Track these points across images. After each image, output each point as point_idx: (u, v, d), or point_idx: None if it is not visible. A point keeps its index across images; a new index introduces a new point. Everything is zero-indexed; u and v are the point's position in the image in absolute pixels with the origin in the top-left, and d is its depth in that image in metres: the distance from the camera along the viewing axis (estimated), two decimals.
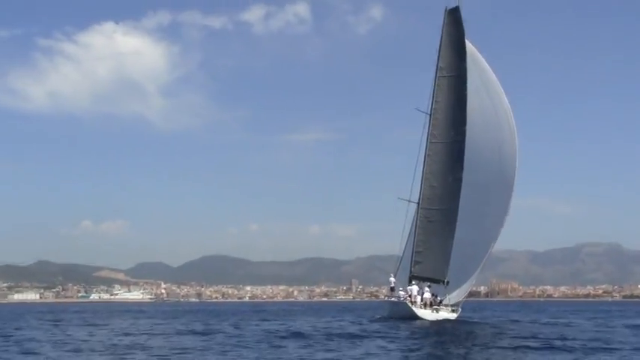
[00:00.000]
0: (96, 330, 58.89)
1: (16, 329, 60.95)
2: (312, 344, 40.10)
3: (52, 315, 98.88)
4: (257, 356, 33.25)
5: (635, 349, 35.47)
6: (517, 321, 73.04)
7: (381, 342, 42.02)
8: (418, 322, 63.98)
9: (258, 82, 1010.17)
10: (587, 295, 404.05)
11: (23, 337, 49.06)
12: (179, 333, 52.79)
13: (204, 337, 47.17)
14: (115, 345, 41.27)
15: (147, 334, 51.86)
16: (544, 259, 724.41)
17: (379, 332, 51.38)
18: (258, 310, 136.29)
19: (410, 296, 69.67)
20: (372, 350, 36.44)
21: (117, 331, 56.55)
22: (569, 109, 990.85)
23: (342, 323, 65.66)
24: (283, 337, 45.93)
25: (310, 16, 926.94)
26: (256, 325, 65.38)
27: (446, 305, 70.26)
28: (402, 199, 75.67)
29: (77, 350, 37.96)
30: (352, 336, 46.54)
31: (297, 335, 48.17)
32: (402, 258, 75.82)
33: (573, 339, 43.03)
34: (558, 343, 40.25)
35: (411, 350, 36.33)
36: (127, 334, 51.95)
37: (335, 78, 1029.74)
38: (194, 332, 53.29)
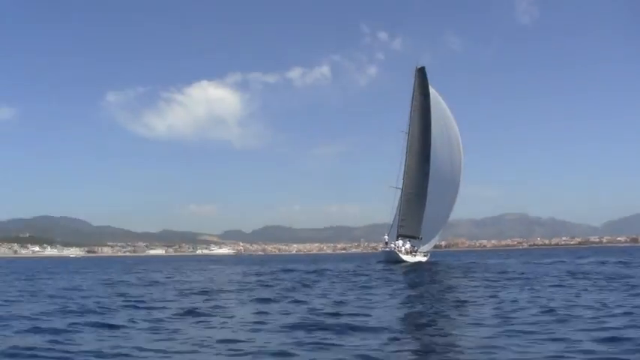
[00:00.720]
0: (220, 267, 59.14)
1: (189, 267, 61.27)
2: (342, 277, 40.39)
3: (191, 264, 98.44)
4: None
5: (529, 273, 35.87)
6: (458, 260, 73.36)
7: (384, 273, 42.81)
8: (403, 263, 64.34)
9: (297, 114, 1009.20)
10: (507, 245, 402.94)
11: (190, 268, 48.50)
12: (258, 271, 53.13)
13: (269, 272, 47.25)
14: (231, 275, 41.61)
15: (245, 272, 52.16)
16: (480, 224, 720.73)
17: (381, 269, 51.87)
18: (305, 259, 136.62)
19: (397, 247, 70.19)
20: (379, 277, 37.01)
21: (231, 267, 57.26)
22: (487, 130, 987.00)
23: (358, 265, 65.87)
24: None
25: (330, 74, 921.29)
26: (305, 266, 65.90)
27: (420, 252, 70.78)
28: (391, 186, 76.32)
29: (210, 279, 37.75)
30: (366, 271, 46.65)
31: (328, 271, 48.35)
32: (392, 224, 76.25)
33: (488, 269, 43.57)
34: (479, 272, 40.69)
35: (402, 275, 36.94)
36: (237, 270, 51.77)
37: (347, 112, 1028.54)
38: (264, 268, 53.81)
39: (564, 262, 61.90)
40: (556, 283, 28.47)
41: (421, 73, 75.86)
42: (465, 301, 20.93)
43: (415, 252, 70.08)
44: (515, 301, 20.13)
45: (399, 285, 31.11)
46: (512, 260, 74.02)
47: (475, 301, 20.64)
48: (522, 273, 38.69)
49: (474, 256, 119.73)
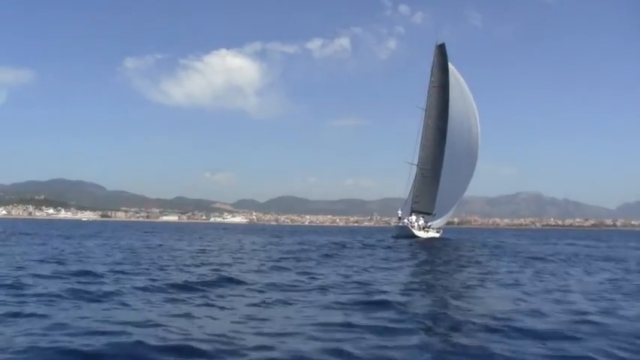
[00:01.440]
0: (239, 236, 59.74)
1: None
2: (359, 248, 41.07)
3: (211, 231, 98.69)
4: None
5: (546, 254, 36.54)
6: (473, 239, 73.89)
7: (399, 247, 43.57)
8: (416, 238, 64.95)
9: (316, 86, 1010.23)
10: (520, 225, 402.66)
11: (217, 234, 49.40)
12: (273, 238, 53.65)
13: (284, 240, 48.42)
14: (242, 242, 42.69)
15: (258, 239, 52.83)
16: (494, 202, 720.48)
17: (396, 243, 52.51)
18: (314, 230, 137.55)
19: (410, 223, 70.75)
20: (396, 251, 37.66)
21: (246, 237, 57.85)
22: (509, 106, 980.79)
23: (373, 239, 66.43)
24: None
25: (350, 46, 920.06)
26: (320, 237, 66.60)
27: (433, 228, 71.36)
28: (407, 162, 76.65)
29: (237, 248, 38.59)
30: (383, 245, 47.33)
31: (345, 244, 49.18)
32: (406, 199, 76.70)
33: (504, 248, 44.15)
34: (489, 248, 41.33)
35: (415, 251, 37.60)
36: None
37: (366, 85, 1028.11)
38: (279, 237, 54.35)
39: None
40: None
41: (441, 49, 75.75)
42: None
43: (428, 228, 70.64)
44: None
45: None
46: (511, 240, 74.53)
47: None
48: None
49: (489, 234, 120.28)
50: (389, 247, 44.13)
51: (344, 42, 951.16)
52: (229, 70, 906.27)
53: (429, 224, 70.99)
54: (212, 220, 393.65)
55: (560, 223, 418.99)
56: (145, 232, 77.77)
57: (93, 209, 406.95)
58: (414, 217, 71.41)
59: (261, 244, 46.34)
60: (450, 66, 73.53)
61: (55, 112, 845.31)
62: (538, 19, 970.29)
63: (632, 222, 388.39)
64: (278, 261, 27.54)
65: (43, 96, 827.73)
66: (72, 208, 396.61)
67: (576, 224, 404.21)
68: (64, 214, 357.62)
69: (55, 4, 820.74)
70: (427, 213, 72.24)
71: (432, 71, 76.07)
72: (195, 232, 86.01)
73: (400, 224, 74.77)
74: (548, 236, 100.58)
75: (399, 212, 77.13)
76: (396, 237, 69.77)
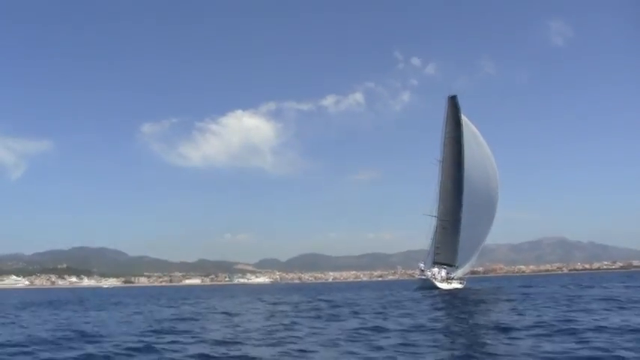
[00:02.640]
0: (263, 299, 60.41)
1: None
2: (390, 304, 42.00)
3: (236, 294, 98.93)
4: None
5: (570, 296, 37.24)
6: (500, 287, 74.09)
7: (422, 300, 44.18)
8: (439, 290, 65.63)
9: (331, 142, 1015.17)
10: (547, 271, 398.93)
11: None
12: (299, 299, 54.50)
13: (315, 300, 48.76)
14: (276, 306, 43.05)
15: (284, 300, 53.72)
16: (518, 249, 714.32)
17: (420, 295, 53.35)
18: (337, 287, 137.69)
19: (433, 275, 71.55)
20: (419, 303, 38.58)
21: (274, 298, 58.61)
22: (528, 151, 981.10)
23: (398, 293, 67.15)
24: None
25: (364, 101, 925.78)
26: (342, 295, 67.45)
27: (455, 279, 72.04)
28: (426, 214, 77.73)
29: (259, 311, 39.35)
30: (407, 297, 47.86)
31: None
32: (429, 251, 77.59)
33: (530, 293, 44.84)
34: (518, 296, 41.97)
35: (438, 303, 38.48)
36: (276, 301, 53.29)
37: (382, 139, 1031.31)
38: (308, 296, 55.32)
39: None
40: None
41: (453, 101, 77.57)
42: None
43: (451, 279, 71.31)
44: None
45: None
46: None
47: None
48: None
49: (510, 282, 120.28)
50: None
51: (358, 97, 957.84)
52: (245, 130, 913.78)
53: (451, 275, 71.71)
54: (236, 281, 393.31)
55: (587, 266, 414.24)
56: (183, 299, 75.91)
57: (116, 275, 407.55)
58: (436, 269, 72.40)
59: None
60: (463, 117, 75.19)
61: (75, 181, 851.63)
62: (551, 63, 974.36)
63: None
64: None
65: (62, 165, 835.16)
66: (95, 275, 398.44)
67: (604, 267, 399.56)
68: (87, 282, 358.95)
69: (70, 74, 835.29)
70: (449, 264, 73.10)
71: (445, 123, 77.73)
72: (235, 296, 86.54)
73: (423, 277, 75.57)
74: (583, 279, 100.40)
75: (422, 265, 78.02)
76: (420, 289, 70.52)
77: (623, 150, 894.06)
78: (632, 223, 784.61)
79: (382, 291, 75.97)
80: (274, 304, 43.41)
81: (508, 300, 41.10)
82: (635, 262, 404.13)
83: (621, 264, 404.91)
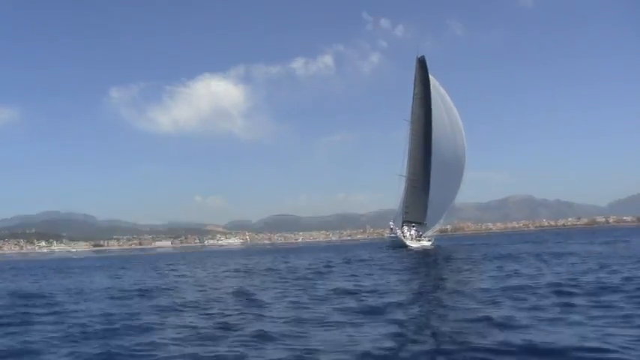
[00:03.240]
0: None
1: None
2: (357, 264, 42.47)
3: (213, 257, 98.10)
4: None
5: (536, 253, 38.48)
6: (463, 245, 75.09)
7: (392, 257, 44.78)
8: (408, 248, 66.50)
9: (302, 106, 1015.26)
10: (514, 228, 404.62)
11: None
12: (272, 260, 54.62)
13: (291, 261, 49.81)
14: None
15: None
16: (485, 207, 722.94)
17: (390, 253, 54.10)
18: (309, 248, 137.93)
19: (402, 233, 72.43)
20: (389, 260, 39.21)
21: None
22: (496, 111, 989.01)
23: (365, 251, 67.82)
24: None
25: (333, 63, 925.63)
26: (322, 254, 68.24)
27: (424, 238, 72.90)
28: (396, 174, 78.49)
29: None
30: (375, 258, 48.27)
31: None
32: (398, 211, 78.47)
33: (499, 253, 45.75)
34: (479, 255, 43.17)
35: (407, 259, 39.25)
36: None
37: (352, 101, 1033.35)
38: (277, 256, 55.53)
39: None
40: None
41: (421, 62, 77.99)
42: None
43: (420, 237, 72.17)
44: None
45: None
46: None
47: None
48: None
49: (480, 239, 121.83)
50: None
51: (327, 59, 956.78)
52: (214, 94, 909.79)
53: (420, 234, 72.54)
54: (206, 243, 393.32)
55: (553, 223, 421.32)
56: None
57: (85, 240, 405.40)
58: (405, 228, 73.20)
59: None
60: (431, 78, 75.57)
61: (42, 147, 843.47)
62: (520, 23, 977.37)
63: (624, 218, 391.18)
64: None
65: (29, 131, 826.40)
66: (64, 240, 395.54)
67: (569, 224, 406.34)
68: (56, 247, 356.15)
69: (34, 39, 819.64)
70: (418, 223, 73.88)
71: (414, 84, 78.18)
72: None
73: (392, 235, 76.48)
74: (546, 238, 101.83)
75: (391, 224, 78.99)
76: (389, 248, 71.37)
77: (588, 111, 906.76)
78: (596, 181, 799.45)
79: (350, 252, 76.35)
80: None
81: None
82: (599, 219, 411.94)
83: (586, 220, 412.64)
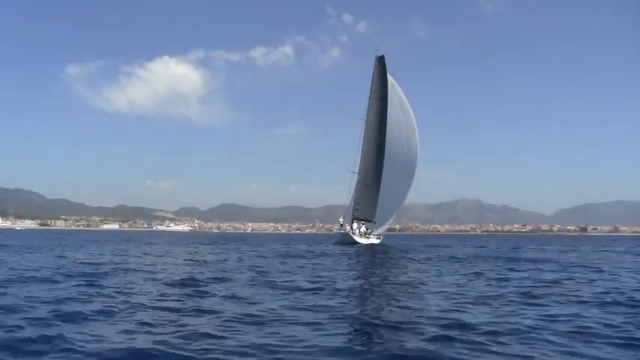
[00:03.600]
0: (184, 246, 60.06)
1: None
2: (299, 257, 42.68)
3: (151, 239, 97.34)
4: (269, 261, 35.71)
5: (473, 256, 39.12)
6: (410, 244, 75.89)
7: (338, 254, 44.85)
8: (357, 245, 66.95)
9: (259, 94, 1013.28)
10: (461, 231, 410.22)
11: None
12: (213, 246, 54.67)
13: (226, 247, 49.98)
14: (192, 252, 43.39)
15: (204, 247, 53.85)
16: (435, 209, 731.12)
17: (337, 250, 54.26)
18: (251, 238, 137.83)
19: (352, 230, 72.98)
20: (334, 259, 39.40)
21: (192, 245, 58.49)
22: (451, 114, 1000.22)
23: (315, 247, 68.14)
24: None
25: (293, 54, 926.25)
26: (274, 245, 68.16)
27: (373, 235, 73.44)
28: (348, 171, 78.73)
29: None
30: (323, 253, 48.19)
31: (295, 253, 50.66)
32: (348, 207, 78.77)
33: (441, 254, 46.49)
34: (426, 255, 43.64)
35: (354, 257, 39.55)
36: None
37: (309, 93, 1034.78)
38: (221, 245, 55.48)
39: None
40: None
41: (380, 61, 78.11)
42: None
43: (369, 235, 72.71)
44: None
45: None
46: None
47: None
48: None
49: (429, 240, 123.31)
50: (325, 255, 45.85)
51: (287, 50, 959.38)
52: (172, 77, 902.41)
53: (369, 231, 73.09)
54: (155, 228, 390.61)
55: (499, 228, 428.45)
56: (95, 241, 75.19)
57: (32, 217, 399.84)
58: (355, 225, 73.67)
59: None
60: (390, 78, 75.78)
61: None
62: (480, 29, 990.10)
63: (568, 227, 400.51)
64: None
65: None
66: (10, 217, 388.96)
67: (515, 230, 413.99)
68: (1, 223, 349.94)
69: None
70: (368, 220, 74.37)
71: (372, 83, 78.44)
72: (141, 241, 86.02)
73: (342, 231, 77.00)
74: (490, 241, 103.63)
75: (341, 219, 79.53)
76: (338, 243, 71.84)
77: (540, 118, 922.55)
78: (543, 188, 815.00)
79: (295, 245, 76.73)
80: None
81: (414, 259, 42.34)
82: (544, 227, 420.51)
83: (531, 227, 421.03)
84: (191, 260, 35.12)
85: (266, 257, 39.81)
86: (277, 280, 21.94)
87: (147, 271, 25.69)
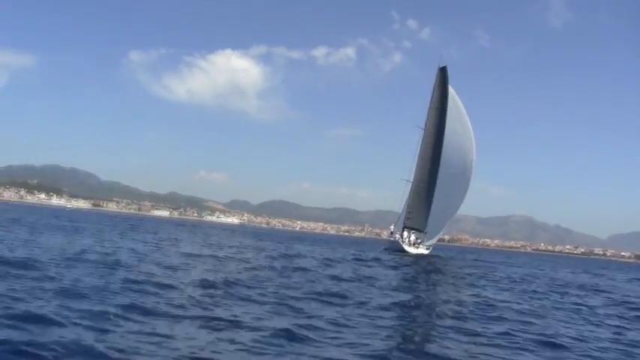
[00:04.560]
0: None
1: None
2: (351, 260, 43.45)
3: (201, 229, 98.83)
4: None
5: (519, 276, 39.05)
6: (461, 258, 75.78)
7: (388, 262, 45.31)
8: (406, 254, 67.29)
9: (317, 93, 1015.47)
10: (511, 247, 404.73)
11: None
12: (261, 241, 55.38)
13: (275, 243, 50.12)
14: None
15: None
16: (485, 222, 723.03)
17: (387, 257, 54.68)
18: (302, 237, 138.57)
19: (402, 238, 73.27)
20: (384, 265, 39.99)
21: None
22: (509, 128, 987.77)
23: (365, 252, 68.65)
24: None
25: (355, 56, 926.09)
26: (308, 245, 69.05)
27: (423, 245, 73.54)
28: (403, 179, 79.03)
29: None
30: (374, 258, 48.73)
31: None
32: (400, 214, 79.12)
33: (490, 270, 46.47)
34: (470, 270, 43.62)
35: (403, 266, 39.97)
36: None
37: (368, 96, 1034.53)
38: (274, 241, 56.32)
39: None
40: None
41: (442, 72, 78.23)
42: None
43: (419, 244, 72.89)
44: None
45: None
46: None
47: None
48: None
49: (482, 254, 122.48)
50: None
51: (349, 52, 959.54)
52: (232, 70, 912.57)
53: (419, 241, 73.25)
54: (205, 218, 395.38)
55: (550, 248, 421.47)
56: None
57: (85, 198, 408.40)
58: (406, 233, 73.88)
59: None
60: (450, 89, 75.91)
61: (55, 99, 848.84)
62: (545, 43, 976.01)
63: (622, 253, 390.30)
64: None
65: (44, 82, 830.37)
66: (65, 195, 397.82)
67: (566, 251, 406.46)
68: (56, 201, 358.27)
69: None
70: (419, 230, 74.63)
71: (432, 92, 78.70)
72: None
73: (392, 238, 77.42)
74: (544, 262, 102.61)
75: (392, 227, 79.91)
76: (387, 250, 72.30)
77: (603, 139, 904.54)
78: (598, 211, 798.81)
79: (350, 247, 77.01)
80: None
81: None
82: (597, 250, 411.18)
83: (583, 250, 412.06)
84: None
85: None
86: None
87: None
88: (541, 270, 61.67)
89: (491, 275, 39.34)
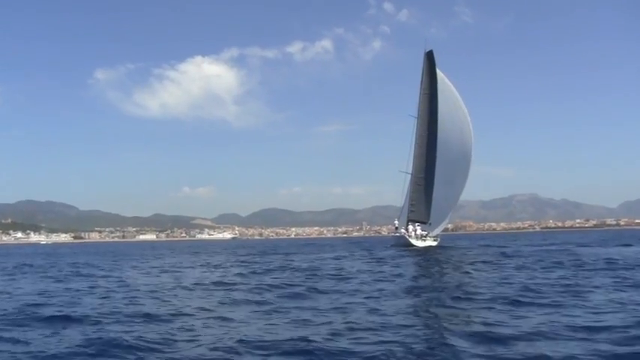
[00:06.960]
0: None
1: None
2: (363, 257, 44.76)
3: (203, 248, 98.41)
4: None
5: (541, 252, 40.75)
6: (467, 247, 76.75)
7: (397, 257, 46.48)
8: (413, 247, 68.57)
9: (298, 92, 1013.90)
10: (518, 228, 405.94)
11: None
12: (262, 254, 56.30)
13: (272, 256, 51.48)
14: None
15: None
16: (489, 205, 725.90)
17: (395, 253, 55.86)
18: (303, 243, 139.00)
19: (408, 232, 74.52)
20: (395, 260, 41.42)
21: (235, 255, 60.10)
22: (503, 105, 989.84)
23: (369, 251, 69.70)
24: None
25: (333, 48, 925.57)
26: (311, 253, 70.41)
27: (430, 237, 74.81)
28: (402, 171, 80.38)
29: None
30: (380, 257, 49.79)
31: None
32: (402, 208, 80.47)
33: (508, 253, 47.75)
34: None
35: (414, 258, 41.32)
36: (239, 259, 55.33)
37: (351, 88, 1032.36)
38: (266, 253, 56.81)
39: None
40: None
41: (429, 57, 79.51)
42: None
43: (425, 237, 74.17)
44: None
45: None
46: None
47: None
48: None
49: (489, 239, 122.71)
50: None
51: (326, 44, 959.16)
52: (205, 78, 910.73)
53: (426, 233, 74.61)
54: (196, 237, 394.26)
55: (560, 224, 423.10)
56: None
57: (65, 231, 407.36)
58: (411, 227, 75.05)
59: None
60: (439, 72, 77.18)
61: (22, 130, 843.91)
62: (532, 12, 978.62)
63: (636, 220, 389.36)
64: None
65: (9, 115, 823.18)
66: (43, 231, 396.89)
67: (577, 225, 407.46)
68: (35, 238, 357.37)
69: (17, 15, 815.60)
70: (423, 222, 75.81)
71: (421, 79, 79.95)
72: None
73: (397, 234, 78.67)
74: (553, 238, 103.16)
75: (396, 222, 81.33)
76: (394, 246, 73.45)
77: (599, 105, 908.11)
78: (606, 180, 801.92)
79: (353, 250, 77.33)
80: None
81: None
82: (609, 221, 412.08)
83: (594, 222, 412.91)
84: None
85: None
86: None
87: None
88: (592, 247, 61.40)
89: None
